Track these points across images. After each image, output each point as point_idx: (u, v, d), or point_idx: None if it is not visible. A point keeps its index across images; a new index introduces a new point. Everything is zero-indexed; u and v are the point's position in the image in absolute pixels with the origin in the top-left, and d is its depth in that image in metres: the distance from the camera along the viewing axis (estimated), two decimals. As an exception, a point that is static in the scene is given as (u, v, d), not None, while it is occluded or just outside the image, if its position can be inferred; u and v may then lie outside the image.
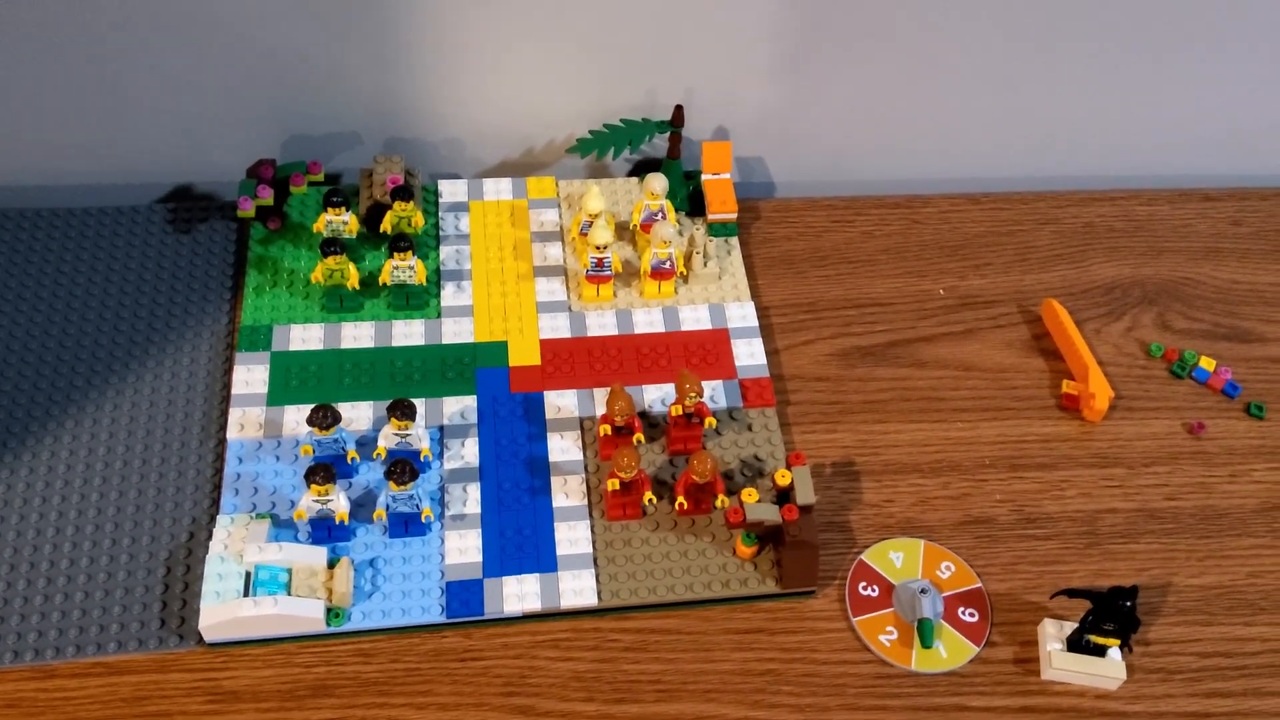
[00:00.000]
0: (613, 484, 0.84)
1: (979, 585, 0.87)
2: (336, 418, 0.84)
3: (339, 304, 0.97)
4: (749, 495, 0.83)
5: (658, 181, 1.00)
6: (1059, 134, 1.16)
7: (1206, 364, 1.01)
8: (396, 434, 0.85)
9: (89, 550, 0.83)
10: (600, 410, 0.92)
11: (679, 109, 1.04)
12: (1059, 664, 0.81)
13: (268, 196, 0.99)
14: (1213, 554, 0.90)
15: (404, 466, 0.81)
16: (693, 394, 0.87)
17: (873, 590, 0.86)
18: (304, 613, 0.78)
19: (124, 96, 1.02)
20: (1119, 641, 0.81)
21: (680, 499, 0.85)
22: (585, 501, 0.88)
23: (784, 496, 0.86)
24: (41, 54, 0.98)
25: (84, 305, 0.97)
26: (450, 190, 1.07)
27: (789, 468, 0.85)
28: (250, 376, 0.92)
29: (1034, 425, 0.98)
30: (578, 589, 0.83)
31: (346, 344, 0.95)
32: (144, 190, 1.09)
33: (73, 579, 0.82)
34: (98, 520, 0.85)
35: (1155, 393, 1.00)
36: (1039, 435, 0.97)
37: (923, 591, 0.85)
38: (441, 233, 1.04)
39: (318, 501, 0.81)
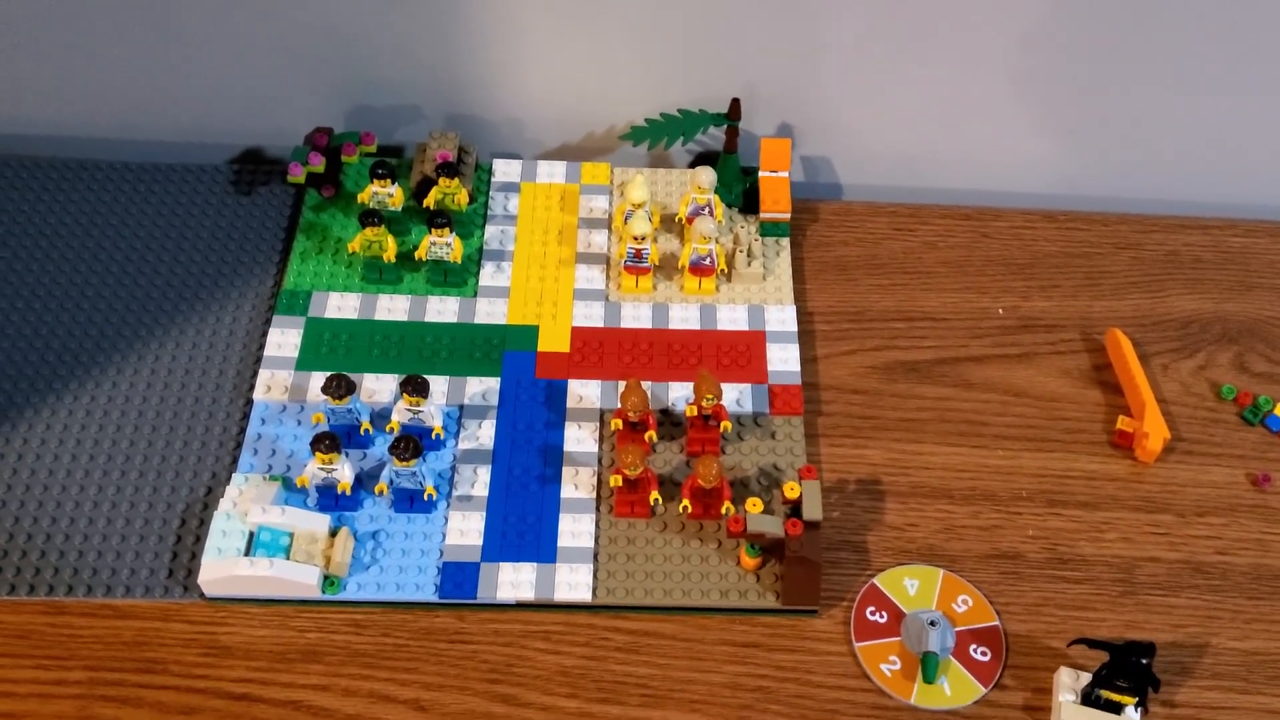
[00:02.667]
0: (616, 480, 0.83)
1: (996, 623, 0.83)
2: (350, 388, 0.84)
3: (378, 275, 0.98)
4: (753, 505, 0.81)
5: (705, 175, 0.98)
6: (1150, 154, 1.09)
7: (1282, 412, 0.94)
8: (409, 409, 0.85)
9: (111, 495, 0.86)
10: (617, 407, 0.91)
11: (735, 102, 1.02)
12: (1068, 717, 0.77)
13: (319, 164, 1.00)
14: (1261, 617, 0.83)
15: (408, 442, 0.81)
16: (709, 396, 0.85)
17: (881, 616, 0.83)
18: (299, 578, 0.79)
19: (198, 59, 1.05)
20: (1134, 700, 0.75)
21: (685, 502, 0.83)
22: (594, 495, 0.86)
23: (796, 510, 0.83)
24: (118, 11, 1.01)
25: (141, 258, 1.00)
26: (504, 170, 1.07)
27: (799, 480, 0.82)
28: (283, 339, 0.94)
29: (1080, 460, 0.92)
30: (573, 583, 0.82)
31: (380, 315, 0.96)
32: (217, 150, 1.11)
33: (93, 521, 0.85)
34: (124, 467, 0.88)
35: (1220, 438, 0.93)
36: (1084, 471, 0.91)
37: (932, 623, 0.81)
38: (490, 212, 1.04)
39: (322, 469, 0.82)
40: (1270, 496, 0.90)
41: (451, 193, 0.98)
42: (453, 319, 0.96)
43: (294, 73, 1.06)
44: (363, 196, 0.98)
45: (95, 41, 1.03)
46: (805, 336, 0.98)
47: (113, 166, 1.07)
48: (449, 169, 0.97)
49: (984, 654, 0.81)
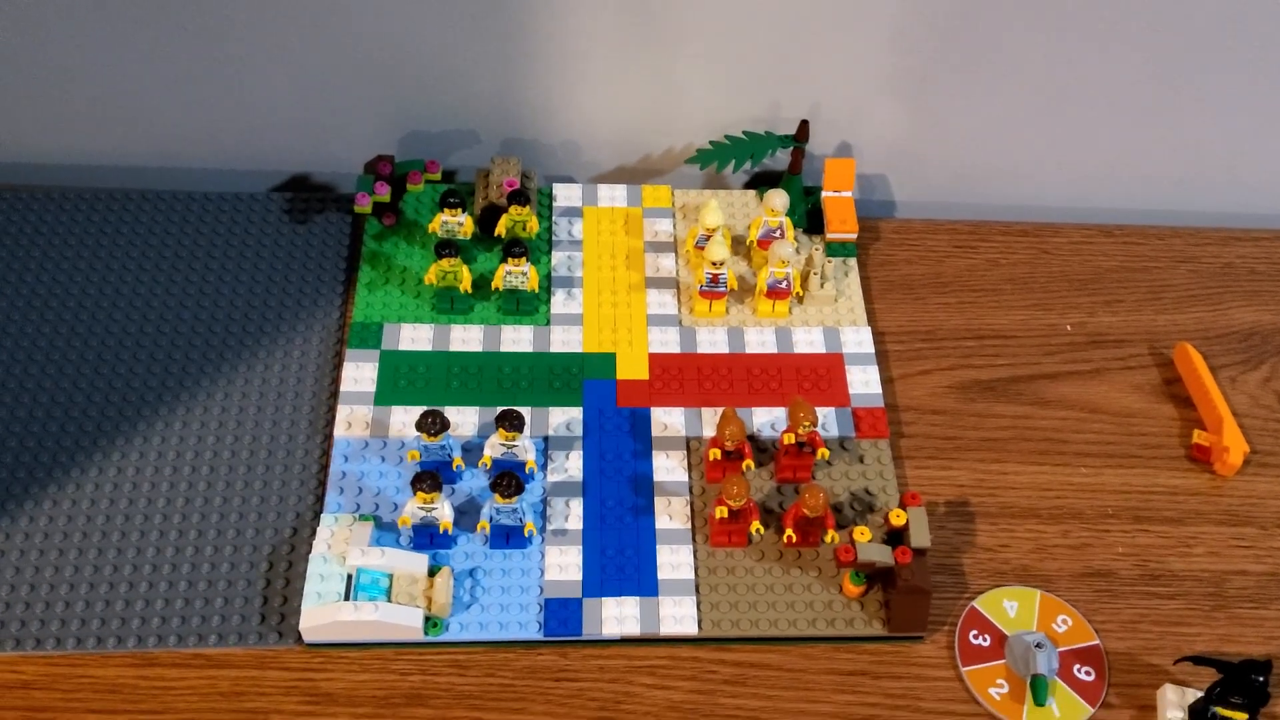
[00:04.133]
0: (721, 511, 0.82)
1: (1097, 642, 0.83)
2: (445, 424, 0.83)
3: (449, 305, 0.96)
4: (861, 535, 0.80)
5: (779, 199, 0.97)
6: (1201, 167, 1.10)
7: (1353, 422, 0.95)
8: (503, 444, 0.84)
9: (194, 540, 0.84)
10: (708, 431, 0.90)
11: (804, 124, 1.01)
12: (1181, 735, 0.77)
13: (385, 193, 0.98)
14: (1353, 628, 0.85)
15: (510, 480, 0.80)
16: (806, 423, 0.84)
17: (984, 640, 0.83)
18: (403, 620, 0.78)
19: (249, 84, 1.03)
20: (1246, 717, 0.76)
21: (789, 532, 0.83)
22: (689, 525, 0.86)
23: (895, 536, 0.83)
24: (170, 39, 0.99)
25: (199, 290, 0.98)
26: (565, 194, 1.06)
27: (903, 507, 0.82)
28: (359, 374, 0.92)
29: (1161, 476, 0.93)
30: (678, 616, 0.81)
31: (455, 346, 0.95)
32: (264, 178, 1.09)
33: (177, 568, 0.82)
34: (204, 510, 0.85)
35: (1294, 450, 0.95)
36: (1166, 487, 0.92)
37: (1038, 646, 0.81)
38: (555, 237, 1.03)
39: (422, 509, 0.80)
40: (1348, 506, 0.91)
41: (522, 220, 0.97)
42: (528, 348, 0.95)
43: (346, 98, 1.04)
44: (433, 226, 0.97)
45: (143, 71, 1.01)
46: (879, 357, 0.98)
47: (160, 196, 1.04)
48: (519, 196, 0.96)
49: (1088, 674, 0.81)
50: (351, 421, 0.89)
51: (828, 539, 0.83)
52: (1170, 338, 1.02)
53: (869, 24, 0.99)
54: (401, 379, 0.92)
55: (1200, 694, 0.78)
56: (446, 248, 0.93)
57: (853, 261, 1.04)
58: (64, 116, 1.04)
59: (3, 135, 1.05)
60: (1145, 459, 0.94)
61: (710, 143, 1.03)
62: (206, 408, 0.91)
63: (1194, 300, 1.05)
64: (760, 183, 1.11)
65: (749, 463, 0.86)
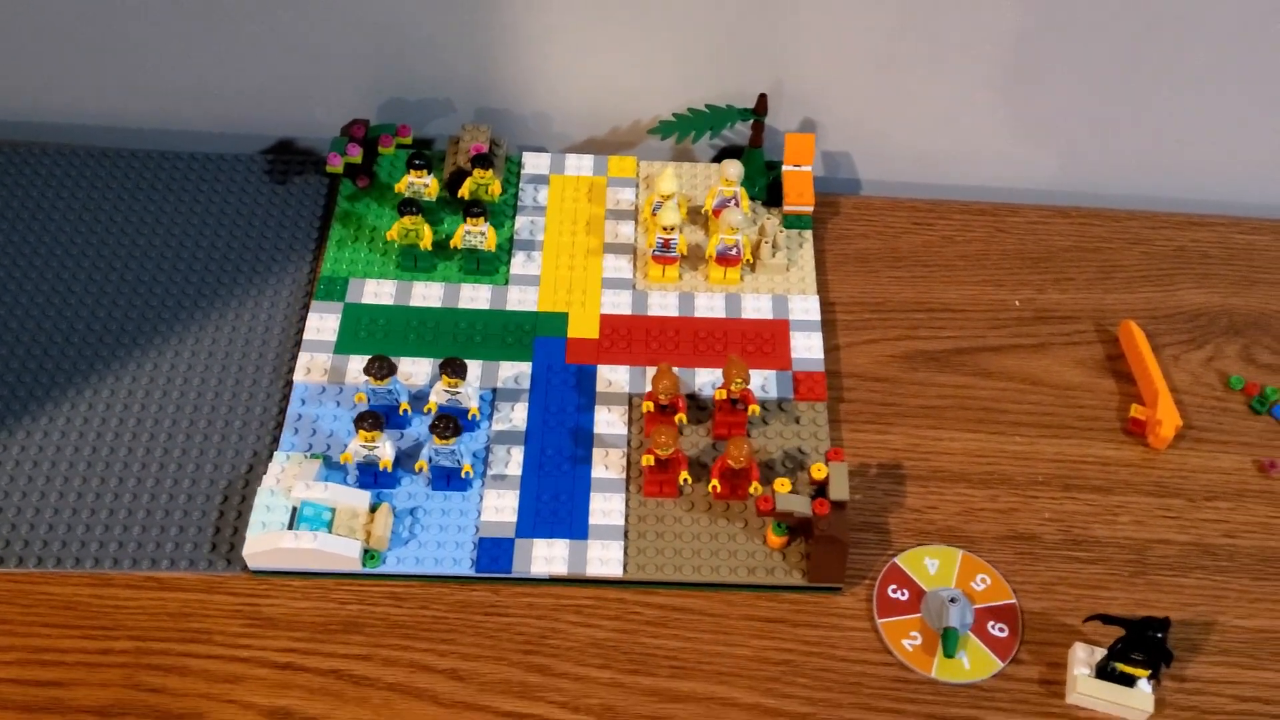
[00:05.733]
0: (648, 460, 0.85)
1: (1013, 601, 0.85)
2: (391, 369, 0.87)
3: (413, 263, 1.01)
4: (781, 485, 0.83)
5: (732, 167, 1.01)
6: (1159, 154, 1.12)
7: (1289, 402, 0.97)
8: (447, 390, 0.88)
9: (155, 471, 0.89)
10: (648, 390, 0.94)
11: (763, 97, 1.05)
12: (1084, 689, 0.79)
13: (356, 154, 1.03)
14: (1267, 596, 0.86)
15: (448, 422, 0.84)
16: (738, 380, 0.88)
17: (902, 594, 0.85)
18: (341, 551, 0.82)
19: (235, 52, 1.08)
20: (1148, 673, 0.78)
21: (714, 482, 0.86)
22: (624, 475, 0.89)
23: (821, 491, 0.86)
24: (164, 5, 1.04)
25: (179, 242, 1.03)
26: (533, 163, 1.10)
27: (826, 462, 0.85)
28: (322, 324, 0.97)
29: (1095, 447, 0.95)
30: (604, 558, 0.84)
31: (416, 302, 0.99)
32: (250, 141, 1.14)
33: (137, 497, 0.87)
34: (166, 444, 0.90)
35: (1229, 426, 0.96)
36: (1099, 458, 0.94)
37: (952, 600, 0.84)
38: (520, 203, 1.07)
39: (365, 447, 0.85)
40: (1276, 482, 0.93)
41: (485, 183, 1.01)
42: (485, 306, 0.99)
43: (328, 67, 1.09)
44: (399, 186, 1.01)
45: (136, 34, 1.06)
46: (827, 326, 1.01)
47: (149, 155, 1.10)
48: (483, 160, 1.00)
49: (1001, 630, 0.84)
50: (311, 368, 0.94)
51: (752, 490, 0.86)
52: (1118, 316, 1.03)
53: (835, 2, 1.01)
54: (362, 330, 0.97)
55: (1106, 652, 0.80)
56: (409, 206, 0.97)
57: (808, 234, 1.06)
58: (50, 78, 1.09)
59: (10, 94, 1.11)
60: (1081, 430, 0.96)
61: (673, 114, 1.07)
62: (177, 350, 0.96)
63: (1145, 281, 1.07)
64: (728, 157, 1.13)
65: (681, 416, 0.89)
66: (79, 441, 0.90)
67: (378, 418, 0.84)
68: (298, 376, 0.93)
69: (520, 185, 1.08)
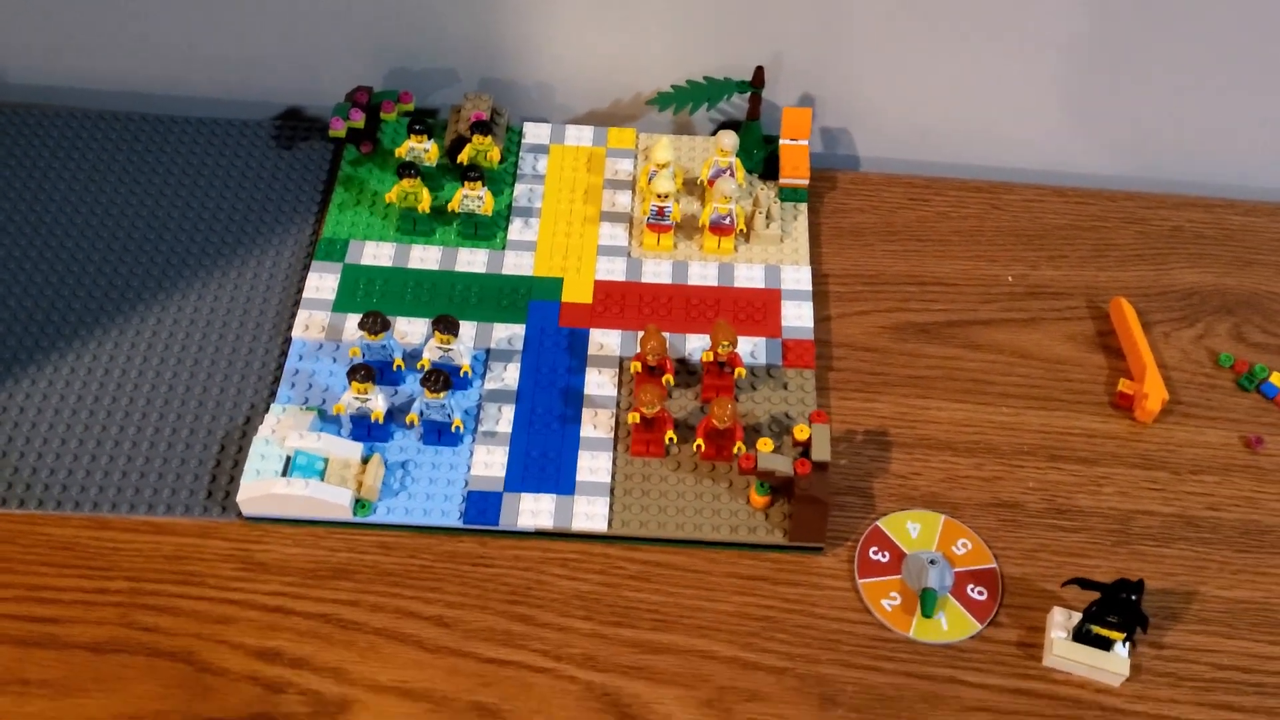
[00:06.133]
0: (633, 417, 0.87)
1: (993, 566, 0.86)
2: (385, 325, 0.89)
3: (412, 226, 1.03)
4: (764, 444, 0.85)
5: (728, 138, 1.02)
6: (1156, 135, 1.12)
7: (1277, 380, 0.97)
8: (440, 347, 0.90)
9: (155, 420, 0.91)
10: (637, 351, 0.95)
11: (759, 70, 1.06)
12: (1060, 651, 0.80)
13: (359, 119, 1.05)
14: (1248, 568, 0.87)
15: (438, 376, 0.85)
16: (725, 342, 0.89)
17: (883, 556, 0.86)
18: (333, 499, 0.84)
19: (243, 19, 1.10)
20: (1123, 636, 0.79)
21: (699, 441, 0.87)
22: (612, 435, 0.91)
23: (805, 453, 0.87)
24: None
25: (185, 203, 1.05)
26: (534, 132, 1.12)
27: (809, 424, 0.86)
28: (321, 283, 0.99)
29: (1081, 420, 0.96)
30: (590, 514, 0.86)
31: (414, 264, 1.01)
32: (258, 108, 1.16)
33: (136, 444, 0.89)
34: (167, 395, 0.92)
35: (1217, 402, 0.97)
36: (1085, 430, 0.95)
37: (932, 562, 0.85)
38: (520, 171, 1.08)
39: (357, 399, 0.86)
40: (1261, 458, 0.93)
41: (484, 149, 1.03)
42: (482, 269, 1.01)
43: (334, 35, 1.11)
44: (400, 151, 1.03)
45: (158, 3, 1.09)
46: (820, 297, 1.02)
47: (159, 119, 1.12)
48: (483, 126, 1.02)
49: (980, 593, 0.85)
50: (309, 325, 0.96)
51: (735, 450, 0.87)
52: (1110, 294, 1.04)
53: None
54: (360, 290, 0.98)
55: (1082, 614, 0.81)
56: (408, 169, 0.99)
57: (803, 206, 1.08)
58: (59, 43, 1.12)
59: (16, 57, 1.14)
60: (1068, 403, 0.97)
61: (671, 87, 1.08)
62: (180, 306, 0.98)
63: (1138, 259, 1.07)
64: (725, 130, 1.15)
65: (669, 377, 0.90)
66: (82, 390, 0.92)
67: (370, 370, 0.85)
68: (296, 333, 0.95)
69: (521, 154, 1.10)
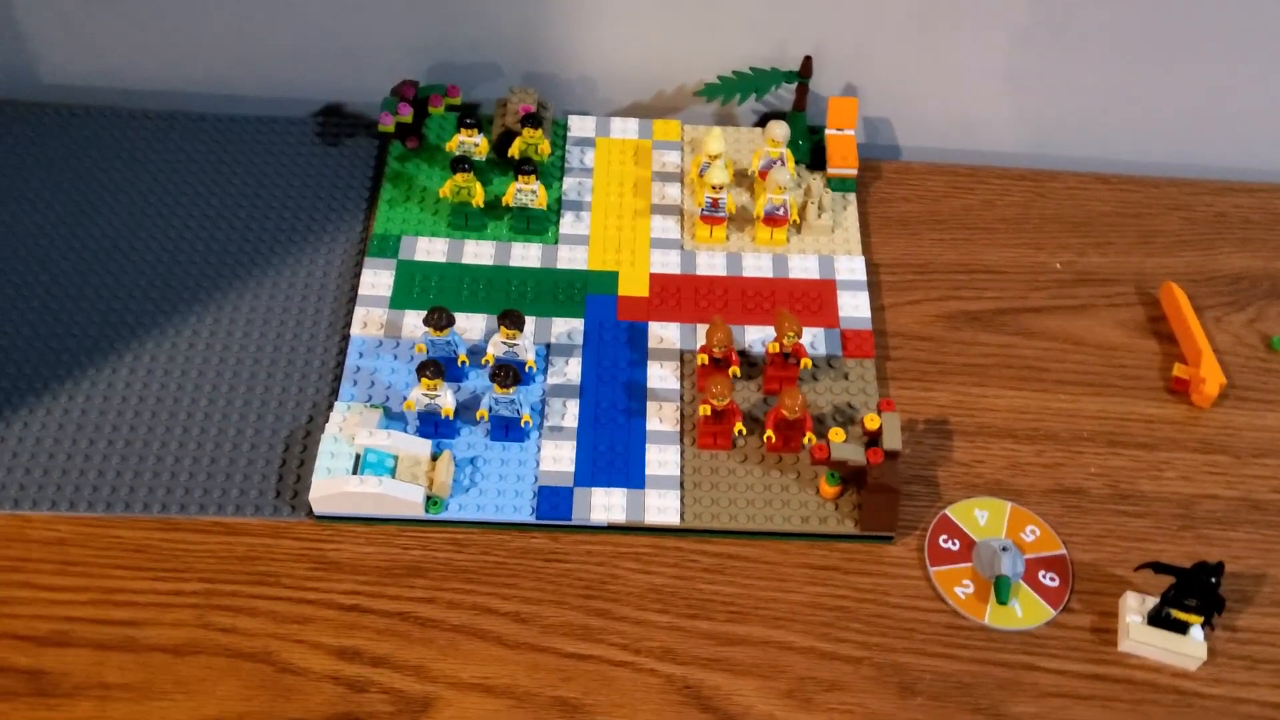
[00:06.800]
0: (704, 410, 0.87)
1: (1063, 552, 0.87)
2: (450, 320, 0.89)
3: (464, 222, 1.02)
4: (835, 435, 0.85)
5: (779, 129, 1.02)
6: (1202, 119, 1.13)
7: (1331, 362, 0.98)
8: (505, 343, 0.90)
9: (219, 421, 0.90)
10: (702, 344, 0.95)
11: (808, 60, 1.06)
12: (1137, 636, 0.81)
13: (407, 114, 1.04)
14: (1314, 550, 0.88)
15: (508, 371, 0.85)
16: (791, 333, 0.89)
17: (953, 544, 0.87)
18: (405, 495, 0.84)
19: (290, 16, 1.09)
20: (1201, 619, 0.80)
21: (769, 433, 0.88)
22: (678, 428, 0.91)
23: (872, 442, 0.87)
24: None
25: (235, 202, 1.05)
26: (579, 125, 1.11)
27: (879, 413, 0.86)
28: (377, 280, 0.98)
29: (1139, 405, 0.96)
30: (662, 507, 0.86)
31: (468, 259, 1.00)
32: (301, 105, 1.15)
33: (202, 445, 0.89)
34: (229, 395, 0.92)
35: (1273, 385, 0.98)
36: (1142, 415, 0.96)
37: (1004, 549, 0.85)
38: (567, 165, 1.08)
39: (426, 395, 0.86)
40: (1320, 440, 0.94)
41: (535, 143, 1.02)
42: (536, 264, 1.01)
43: (376, 31, 1.10)
44: (450, 145, 1.03)
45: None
46: (872, 287, 1.02)
47: (200, 117, 1.11)
48: (533, 120, 1.01)
49: (1052, 579, 0.85)
50: (367, 322, 0.96)
51: (806, 440, 0.88)
52: (1158, 279, 1.05)
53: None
54: (415, 286, 0.98)
55: (1159, 600, 0.81)
56: (462, 163, 0.99)
57: (852, 196, 1.08)
58: (111, 42, 1.11)
59: (67, 59, 1.13)
60: (1124, 389, 0.97)
61: (718, 77, 1.08)
62: (236, 306, 0.97)
63: (1185, 245, 1.08)
64: (768, 121, 1.15)
65: (735, 369, 0.90)
66: (143, 392, 0.92)
67: (439, 366, 0.85)
68: (355, 330, 0.95)
69: (567, 148, 1.10)
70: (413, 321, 0.95)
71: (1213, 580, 0.78)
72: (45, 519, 0.86)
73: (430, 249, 1.01)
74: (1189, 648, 0.81)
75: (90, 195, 1.04)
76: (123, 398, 0.91)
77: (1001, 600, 0.83)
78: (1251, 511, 0.90)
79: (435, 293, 0.98)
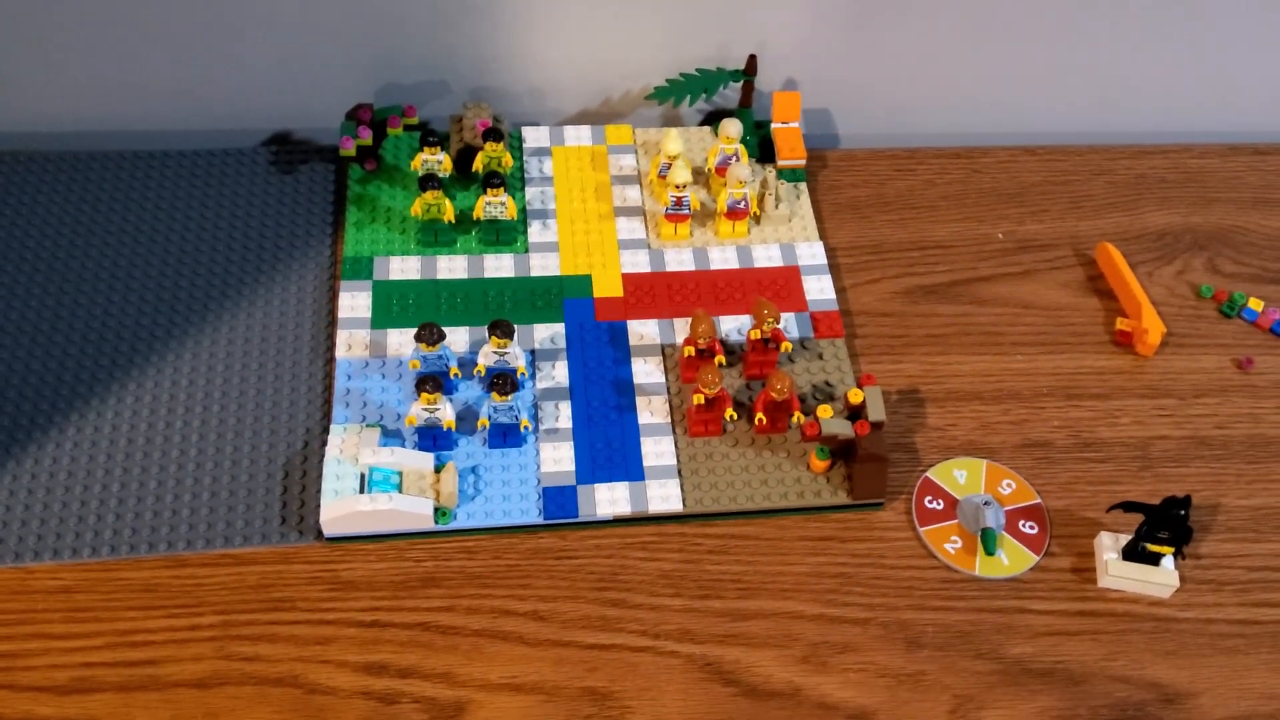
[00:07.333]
0: (698, 399, 0.90)
1: (1039, 501, 0.93)
2: (441, 335, 0.90)
3: (434, 238, 1.04)
4: (824, 412, 0.89)
5: (733, 126, 1.06)
6: (1114, 90, 1.21)
7: (1255, 304, 1.06)
8: (495, 352, 0.92)
9: (213, 455, 0.90)
10: (681, 338, 0.99)
11: (752, 58, 1.10)
12: (1115, 571, 0.87)
13: (368, 137, 1.05)
14: (1261, 478, 0.95)
15: (505, 379, 0.87)
16: (770, 319, 0.93)
17: (938, 504, 0.92)
18: (416, 509, 0.85)
19: (231, 47, 1.09)
20: (1173, 550, 0.86)
21: (759, 415, 0.91)
22: (669, 420, 0.94)
23: (855, 416, 0.92)
24: (157, 8, 1.05)
25: (197, 237, 1.04)
26: (533, 136, 1.14)
27: (860, 387, 0.91)
28: (355, 302, 0.99)
29: (1089, 359, 1.03)
30: (664, 495, 0.89)
31: (442, 274, 1.02)
32: (248, 136, 1.15)
33: (199, 480, 0.89)
34: (219, 429, 0.92)
35: (1205, 331, 1.05)
36: (1094, 368, 1.02)
37: (986, 504, 0.90)
38: (526, 175, 1.11)
39: (426, 410, 0.88)
40: (1254, 377, 1.02)
41: (498, 156, 1.04)
42: (510, 274, 1.03)
43: (321, 56, 1.11)
44: (415, 164, 1.04)
45: (137, 38, 1.07)
46: (832, 269, 1.07)
47: (152, 155, 1.11)
48: (494, 134, 1.04)
49: (1031, 527, 0.91)
50: (351, 344, 0.97)
51: (794, 420, 0.92)
52: (1092, 241, 1.12)
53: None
54: (394, 305, 0.99)
55: (1132, 536, 0.87)
56: (430, 181, 1.00)
57: (803, 186, 1.13)
58: (57, 86, 1.09)
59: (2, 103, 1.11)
60: (1074, 345, 1.04)
61: (667, 80, 1.12)
62: (214, 340, 0.97)
63: (1111, 207, 1.15)
64: (713, 120, 1.19)
65: (720, 358, 0.94)
66: (132, 434, 0.91)
67: (438, 380, 0.87)
68: (339, 353, 0.96)
69: (524, 158, 1.12)
70: (397, 340, 0.97)
71: (1181, 513, 0.84)
72: (48, 569, 0.85)
73: (404, 267, 1.02)
74: (1163, 577, 0.87)
75: (46, 241, 1.03)
76: (110, 441, 0.91)
77: (989, 551, 0.88)
78: (1200, 448, 0.97)
79: (414, 310, 0.99)
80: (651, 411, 0.94)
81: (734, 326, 1.00)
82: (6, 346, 0.96)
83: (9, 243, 1.03)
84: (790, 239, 1.08)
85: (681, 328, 1.00)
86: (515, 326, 0.95)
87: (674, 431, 0.93)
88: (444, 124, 1.15)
